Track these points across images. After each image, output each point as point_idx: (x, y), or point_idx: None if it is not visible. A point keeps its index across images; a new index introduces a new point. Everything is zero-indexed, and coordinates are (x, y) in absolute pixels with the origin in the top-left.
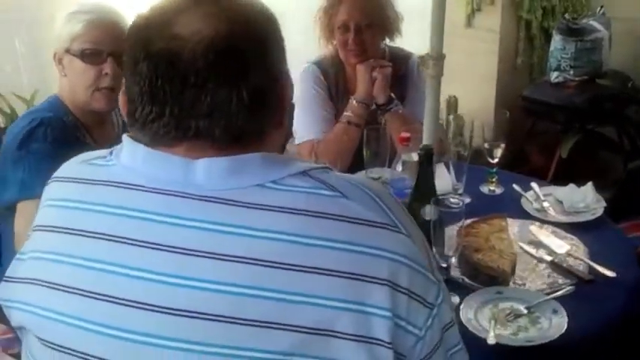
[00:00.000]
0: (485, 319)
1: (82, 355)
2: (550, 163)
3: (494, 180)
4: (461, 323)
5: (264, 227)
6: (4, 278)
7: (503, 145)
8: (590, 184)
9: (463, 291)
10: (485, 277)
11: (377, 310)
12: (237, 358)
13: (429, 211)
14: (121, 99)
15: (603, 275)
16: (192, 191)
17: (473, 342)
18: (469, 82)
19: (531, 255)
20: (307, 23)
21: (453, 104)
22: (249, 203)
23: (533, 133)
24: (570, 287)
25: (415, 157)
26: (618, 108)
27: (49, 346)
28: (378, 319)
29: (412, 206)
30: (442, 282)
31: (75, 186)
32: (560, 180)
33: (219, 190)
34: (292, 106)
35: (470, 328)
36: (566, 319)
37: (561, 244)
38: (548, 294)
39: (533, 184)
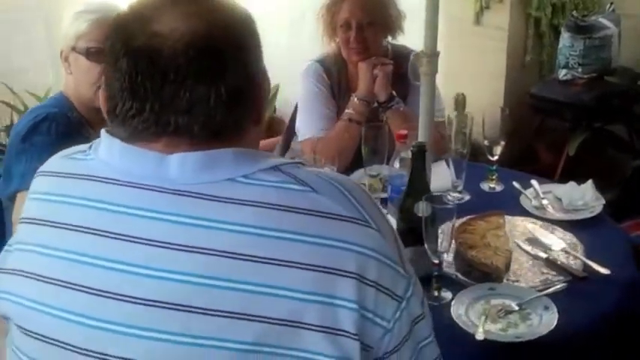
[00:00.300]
0: (476, 315)
1: (64, 345)
2: (558, 160)
3: (494, 177)
4: (451, 319)
5: (235, 220)
6: None
7: (503, 143)
8: (590, 182)
9: (457, 287)
10: (479, 273)
11: (344, 302)
12: (208, 348)
13: (421, 208)
14: (101, 95)
15: (598, 273)
16: (166, 185)
17: (462, 337)
18: (478, 79)
19: (527, 252)
20: None
21: (460, 102)
22: (220, 197)
23: (541, 131)
24: (563, 284)
25: None
26: (627, 105)
27: (33, 337)
28: (344, 311)
29: (405, 203)
30: (414, 276)
31: (57, 180)
32: (568, 178)
33: (191, 184)
34: (295, 106)
35: (460, 324)
36: (556, 316)
37: (557, 242)
38: (540, 291)
39: (533, 182)
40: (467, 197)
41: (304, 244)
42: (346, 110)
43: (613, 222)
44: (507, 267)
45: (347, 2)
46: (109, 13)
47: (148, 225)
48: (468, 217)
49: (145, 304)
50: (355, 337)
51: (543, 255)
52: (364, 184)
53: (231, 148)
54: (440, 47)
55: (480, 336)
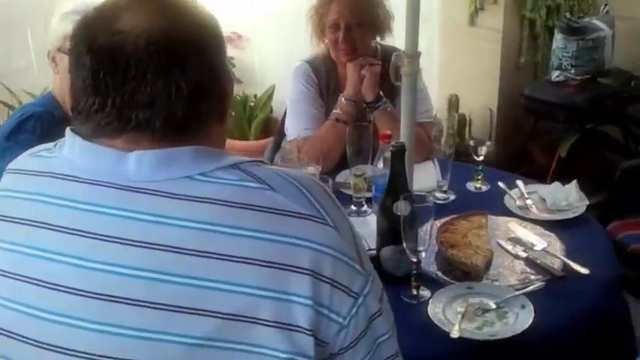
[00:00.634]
0: (453, 313)
1: (20, 338)
2: (552, 162)
3: (480, 177)
4: (428, 317)
5: (190, 217)
6: None
7: (488, 143)
8: (574, 182)
9: (436, 286)
10: (459, 272)
11: (298, 299)
12: (159, 342)
13: (399, 207)
14: (67, 94)
15: (577, 272)
16: (124, 182)
17: (438, 335)
18: (472, 80)
19: (508, 251)
20: None
21: (454, 103)
22: (175, 194)
23: (535, 132)
24: (541, 283)
25: None
26: (620, 107)
27: None
28: (298, 307)
29: (385, 202)
30: (373, 274)
31: (22, 177)
32: (561, 179)
33: (148, 182)
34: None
35: (435, 322)
36: (532, 315)
37: (539, 242)
38: (518, 290)
39: (518, 182)
40: (452, 197)
41: (259, 240)
42: (334, 110)
43: (596, 222)
44: (487, 266)
45: (335, 3)
46: None
47: (106, 222)
48: (451, 216)
49: (99, 299)
50: (309, 332)
51: (523, 254)
52: (349, 184)
53: (191, 146)
54: (435, 48)
55: (454, 334)
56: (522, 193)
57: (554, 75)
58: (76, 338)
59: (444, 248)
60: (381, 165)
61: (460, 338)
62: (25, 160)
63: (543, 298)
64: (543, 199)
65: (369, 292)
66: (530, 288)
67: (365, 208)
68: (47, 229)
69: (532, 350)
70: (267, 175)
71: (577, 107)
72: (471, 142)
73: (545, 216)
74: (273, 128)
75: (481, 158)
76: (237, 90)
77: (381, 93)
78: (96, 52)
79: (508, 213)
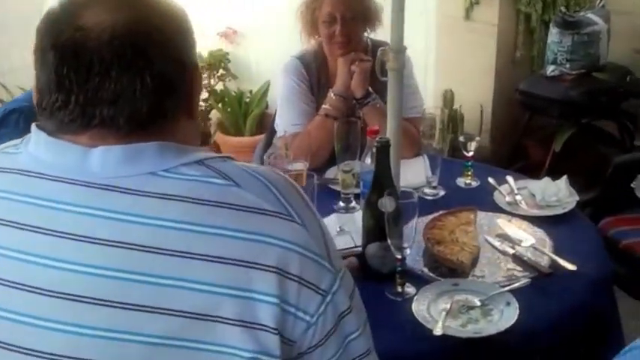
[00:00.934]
0: (438, 310)
1: None
2: (547, 157)
3: (469, 173)
4: (412, 314)
5: (153, 214)
6: None
7: (478, 139)
8: (564, 178)
9: (422, 283)
10: (445, 269)
11: (263, 297)
12: (121, 341)
13: (383, 204)
14: (33, 91)
15: (564, 269)
16: (87, 179)
17: (422, 333)
18: (468, 75)
19: (495, 248)
20: None
21: (449, 98)
22: (138, 191)
23: (530, 127)
24: (527, 280)
25: None
26: (615, 102)
27: None
28: (263, 305)
29: (370, 198)
30: (342, 271)
31: None
32: (555, 174)
33: (112, 178)
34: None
35: (419, 319)
36: (517, 312)
37: (527, 238)
38: (504, 286)
39: (508, 178)
40: (442, 193)
41: (224, 237)
42: (323, 106)
43: (585, 218)
44: (474, 263)
45: None
46: None
47: (70, 219)
48: (439, 212)
49: (64, 298)
50: (275, 331)
51: (511, 251)
52: (338, 180)
53: (156, 142)
54: (431, 43)
55: (438, 331)
56: (512, 188)
57: (550, 70)
58: (40, 339)
59: (431, 245)
60: (368, 161)
61: (444, 336)
62: None
63: (529, 295)
64: (533, 195)
65: (338, 289)
66: (516, 285)
67: (353, 204)
68: (12, 227)
69: (516, 348)
70: (233, 171)
71: (572, 102)
72: (461, 138)
73: (535, 212)
74: (268, 124)
75: (471, 154)
76: (233, 86)
77: (370, 89)
78: (59, 48)
79: (497, 209)
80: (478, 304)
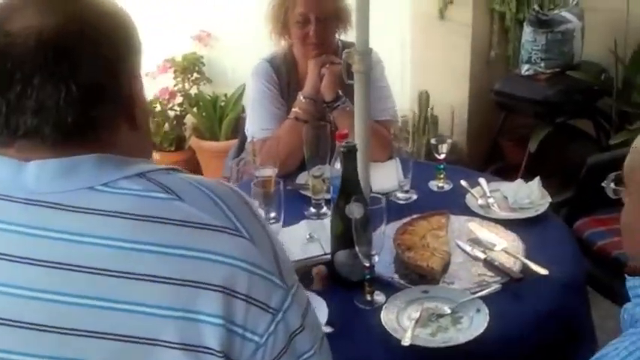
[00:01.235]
0: (407, 318)
1: None
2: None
3: (442, 176)
4: (381, 323)
5: (89, 232)
6: None
7: (449, 141)
8: (537, 179)
9: (393, 290)
10: (415, 275)
11: (207, 318)
12: None
13: (351, 210)
14: None
15: (535, 273)
16: (20, 194)
17: (391, 343)
18: (444, 75)
19: (467, 253)
20: None
21: (424, 100)
22: (76, 207)
23: (507, 128)
24: (498, 286)
25: None
26: (590, 100)
27: None
28: (208, 327)
29: (338, 205)
30: (295, 287)
31: None
32: (532, 175)
33: (47, 193)
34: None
35: (387, 329)
36: (487, 319)
37: (499, 242)
38: (474, 292)
39: (481, 180)
40: (414, 197)
41: (166, 256)
42: (293, 109)
43: (559, 220)
44: (445, 268)
45: None
46: None
47: (4, 238)
48: (410, 217)
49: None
50: (220, 354)
51: (482, 256)
52: (308, 185)
53: (94, 154)
54: (406, 43)
55: (406, 342)
56: (484, 191)
57: (524, 69)
58: None
59: (401, 251)
60: (339, 165)
61: (412, 346)
62: None
63: (500, 301)
64: (506, 198)
65: (289, 307)
66: (486, 291)
67: (324, 209)
68: None
69: (486, 356)
70: (176, 184)
71: (547, 101)
72: (433, 141)
73: (507, 215)
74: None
75: (443, 156)
76: (208, 89)
77: (340, 92)
78: None
79: (469, 212)
80: (448, 311)
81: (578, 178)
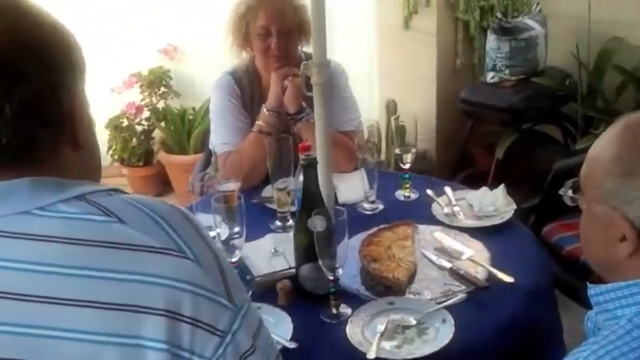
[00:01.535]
0: (373, 332)
1: None
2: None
3: (407, 186)
4: (345, 337)
5: (24, 258)
6: None
7: (414, 150)
8: (501, 187)
9: (360, 302)
10: (381, 287)
11: (150, 343)
12: None
13: (312, 223)
14: None
15: (501, 281)
16: None
17: (355, 357)
18: (410, 84)
19: (433, 262)
20: None
21: (391, 109)
22: (10, 232)
23: (476, 135)
24: (463, 295)
25: None
26: (555, 106)
27: None
28: (151, 353)
29: (301, 218)
30: (245, 309)
31: None
32: (501, 181)
33: None
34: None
35: (353, 342)
36: (452, 329)
37: (465, 250)
38: (440, 303)
39: (447, 189)
40: (380, 207)
41: (103, 280)
42: (256, 122)
43: (523, 227)
44: (411, 279)
45: (264, 9)
46: None
47: None
48: (377, 227)
49: None
50: None
51: (448, 265)
52: (273, 198)
53: (27, 178)
54: (373, 53)
55: (371, 355)
56: (450, 200)
57: (489, 76)
58: None
59: (367, 262)
60: (302, 178)
61: (377, 359)
62: None
63: (466, 310)
64: (471, 206)
65: (238, 328)
66: (452, 300)
67: (290, 222)
68: None
69: None
70: (117, 206)
71: (512, 108)
72: (397, 151)
73: (472, 223)
74: None
75: (407, 166)
76: (175, 103)
77: (304, 104)
78: None
79: (435, 221)
80: (414, 322)
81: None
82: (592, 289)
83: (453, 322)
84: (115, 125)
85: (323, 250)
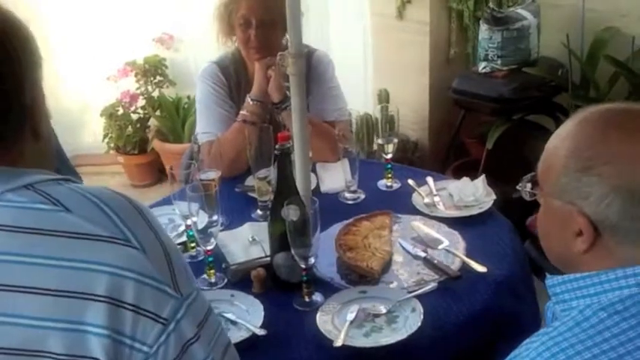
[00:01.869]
0: (343, 319)
1: None
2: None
3: (390, 175)
4: (315, 325)
5: None
6: None
7: (396, 141)
8: (482, 177)
9: (331, 291)
10: (355, 276)
11: (92, 328)
12: None
13: (286, 212)
14: None
15: (474, 271)
16: None
17: (322, 344)
18: (404, 74)
19: (408, 252)
20: None
21: (383, 98)
22: None
23: (468, 125)
24: (434, 284)
25: None
26: (547, 96)
27: None
28: (93, 338)
29: (275, 208)
30: (192, 297)
31: None
32: (492, 171)
33: None
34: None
35: (322, 330)
36: (420, 318)
37: (441, 240)
38: (412, 292)
39: (428, 179)
40: (362, 196)
41: (46, 267)
42: (241, 112)
43: (502, 217)
44: (385, 268)
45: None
46: None
47: None
48: (355, 217)
49: None
50: None
51: (423, 254)
52: (254, 187)
53: None
54: (367, 43)
55: (338, 343)
56: (431, 190)
57: (481, 66)
58: None
59: (342, 251)
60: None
61: (345, 347)
62: None
63: (436, 299)
64: (451, 196)
65: (183, 316)
66: (423, 290)
67: None
68: None
69: (419, 354)
70: (64, 195)
71: (502, 98)
72: (379, 141)
73: (451, 213)
74: None
75: (389, 156)
76: (170, 92)
77: (288, 93)
78: None
79: (415, 211)
80: (384, 311)
81: None
82: (549, 280)
83: (422, 310)
84: (110, 113)
85: (295, 239)
